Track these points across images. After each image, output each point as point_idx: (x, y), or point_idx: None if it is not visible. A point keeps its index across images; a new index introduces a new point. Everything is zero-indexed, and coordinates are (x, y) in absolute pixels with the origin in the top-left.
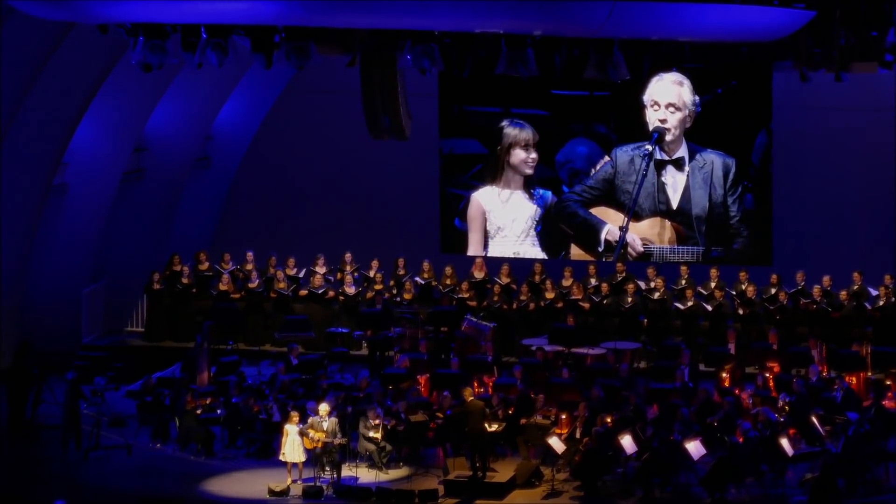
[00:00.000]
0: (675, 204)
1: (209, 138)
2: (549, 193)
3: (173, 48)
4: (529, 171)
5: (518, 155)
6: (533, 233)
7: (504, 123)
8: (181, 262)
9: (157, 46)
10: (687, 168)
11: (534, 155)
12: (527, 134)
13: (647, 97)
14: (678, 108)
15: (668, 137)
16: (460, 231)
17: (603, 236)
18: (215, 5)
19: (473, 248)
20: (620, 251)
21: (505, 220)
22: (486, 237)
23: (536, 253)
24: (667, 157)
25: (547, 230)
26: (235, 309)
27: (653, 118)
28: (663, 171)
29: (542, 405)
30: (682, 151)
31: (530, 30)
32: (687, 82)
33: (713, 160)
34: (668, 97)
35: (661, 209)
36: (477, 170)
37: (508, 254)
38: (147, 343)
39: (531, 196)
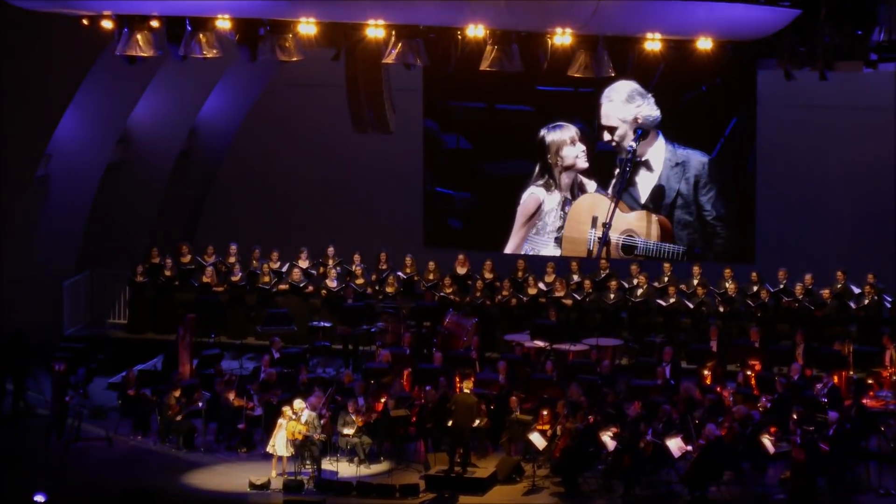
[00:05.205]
0: (643, 199)
1: (193, 131)
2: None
3: (158, 40)
4: (585, 164)
5: (569, 153)
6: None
7: (542, 132)
8: (160, 255)
9: (142, 38)
10: (660, 164)
11: (583, 147)
12: (568, 132)
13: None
14: (614, 128)
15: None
16: (453, 229)
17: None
18: None
19: (513, 244)
20: (604, 247)
21: (558, 221)
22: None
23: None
24: (639, 157)
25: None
26: (218, 302)
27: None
28: (637, 170)
29: (518, 405)
30: (657, 148)
31: (515, 26)
32: (621, 96)
33: (687, 157)
34: (609, 120)
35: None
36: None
37: (553, 253)
38: (129, 335)
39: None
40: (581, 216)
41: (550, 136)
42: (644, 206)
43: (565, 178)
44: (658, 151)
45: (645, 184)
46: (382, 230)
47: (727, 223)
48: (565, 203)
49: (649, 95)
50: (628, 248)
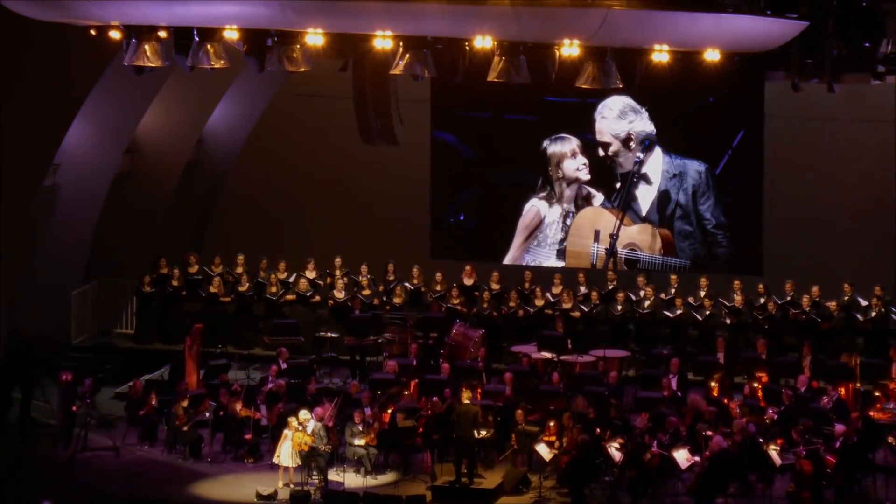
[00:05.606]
0: (643, 212)
1: (200, 141)
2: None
3: (166, 50)
4: (587, 177)
5: (570, 166)
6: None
7: (545, 144)
8: (167, 265)
9: (150, 48)
10: (658, 176)
11: (584, 160)
12: (569, 145)
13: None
14: (608, 144)
15: (620, 158)
16: (467, 231)
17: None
18: (208, 8)
19: (512, 255)
20: (611, 258)
21: (559, 234)
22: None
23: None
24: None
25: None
26: (225, 312)
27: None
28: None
29: (524, 416)
30: (654, 160)
31: (523, 37)
32: (614, 112)
33: (684, 166)
34: (603, 136)
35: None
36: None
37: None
38: (136, 345)
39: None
40: (583, 230)
41: (552, 147)
42: (645, 219)
43: (567, 191)
44: (655, 163)
45: (644, 196)
46: (390, 241)
47: (728, 231)
48: (567, 216)
49: (643, 110)
50: (631, 262)
